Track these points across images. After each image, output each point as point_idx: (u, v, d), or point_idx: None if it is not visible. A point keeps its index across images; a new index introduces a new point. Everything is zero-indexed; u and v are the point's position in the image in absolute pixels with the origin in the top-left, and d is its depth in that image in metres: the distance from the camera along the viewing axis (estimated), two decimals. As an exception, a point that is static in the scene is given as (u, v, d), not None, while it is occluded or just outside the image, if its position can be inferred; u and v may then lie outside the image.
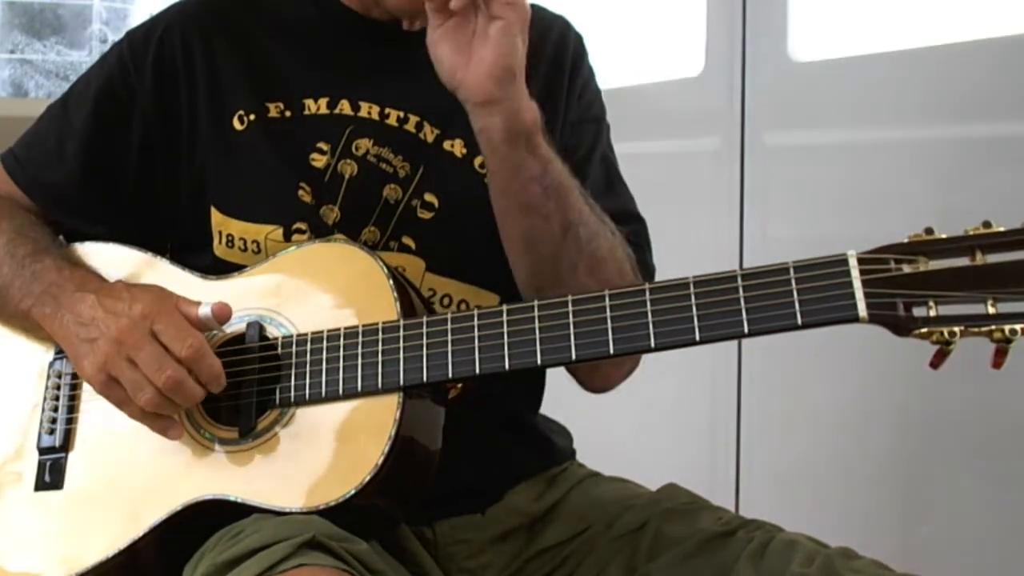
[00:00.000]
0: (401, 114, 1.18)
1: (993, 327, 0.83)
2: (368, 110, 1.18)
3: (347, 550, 0.93)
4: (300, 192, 1.14)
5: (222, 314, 1.06)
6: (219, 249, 1.16)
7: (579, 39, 1.31)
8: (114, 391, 1.05)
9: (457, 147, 1.19)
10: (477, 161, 1.18)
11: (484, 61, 1.03)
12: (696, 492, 1.20)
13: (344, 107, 1.18)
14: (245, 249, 1.15)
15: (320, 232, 1.13)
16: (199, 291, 1.10)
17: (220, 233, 1.16)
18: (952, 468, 1.80)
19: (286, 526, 0.94)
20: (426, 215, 1.16)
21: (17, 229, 1.19)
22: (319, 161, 1.16)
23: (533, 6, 1.31)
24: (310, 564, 0.89)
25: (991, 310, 0.83)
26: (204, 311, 1.06)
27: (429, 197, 1.16)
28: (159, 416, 1.04)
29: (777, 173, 2.01)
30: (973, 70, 1.79)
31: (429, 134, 1.19)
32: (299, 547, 0.90)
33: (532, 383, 1.26)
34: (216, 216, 1.17)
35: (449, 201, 1.17)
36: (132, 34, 1.24)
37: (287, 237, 1.13)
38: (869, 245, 0.91)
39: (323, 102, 1.18)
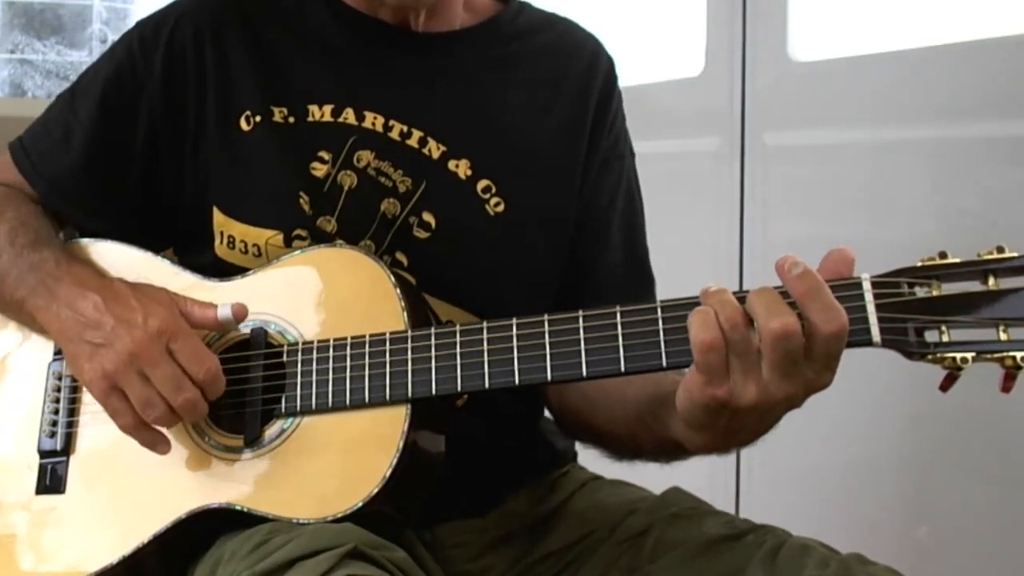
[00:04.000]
0: (405, 128, 1.16)
1: (1004, 354, 0.83)
2: (373, 121, 1.16)
3: (388, 559, 0.93)
4: (300, 200, 1.13)
5: (241, 314, 1.05)
6: (220, 249, 1.15)
7: (611, 64, 1.28)
8: (114, 401, 1.04)
9: (462, 168, 1.17)
10: (480, 185, 1.17)
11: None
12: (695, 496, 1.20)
13: (348, 116, 1.16)
14: (246, 251, 1.14)
15: (320, 241, 1.12)
16: (202, 295, 1.09)
17: (221, 234, 1.15)
18: (955, 471, 1.80)
19: (323, 535, 0.94)
20: (422, 234, 1.15)
21: (21, 219, 1.18)
22: (319, 171, 1.14)
23: (562, 19, 1.30)
24: (357, 574, 0.89)
25: (1003, 336, 0.83)
26: (224, 313, 1.05)
27: (427, 216, 1.15)
28: (152, 430, 1.04)
29: (777, 173, 2.01)
30: (974, 70, 1.78)
31: (434, 150, 1.17)
32: (343, 557, 0.90)
33: (534, 386, 1.25)
34: (218, 216, 1.16)
35: (446, 223, 1.15)
36: (143, 25, 1.22)
37: (287, 243, 1.12)
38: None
39: (328, 109, 1.16)
